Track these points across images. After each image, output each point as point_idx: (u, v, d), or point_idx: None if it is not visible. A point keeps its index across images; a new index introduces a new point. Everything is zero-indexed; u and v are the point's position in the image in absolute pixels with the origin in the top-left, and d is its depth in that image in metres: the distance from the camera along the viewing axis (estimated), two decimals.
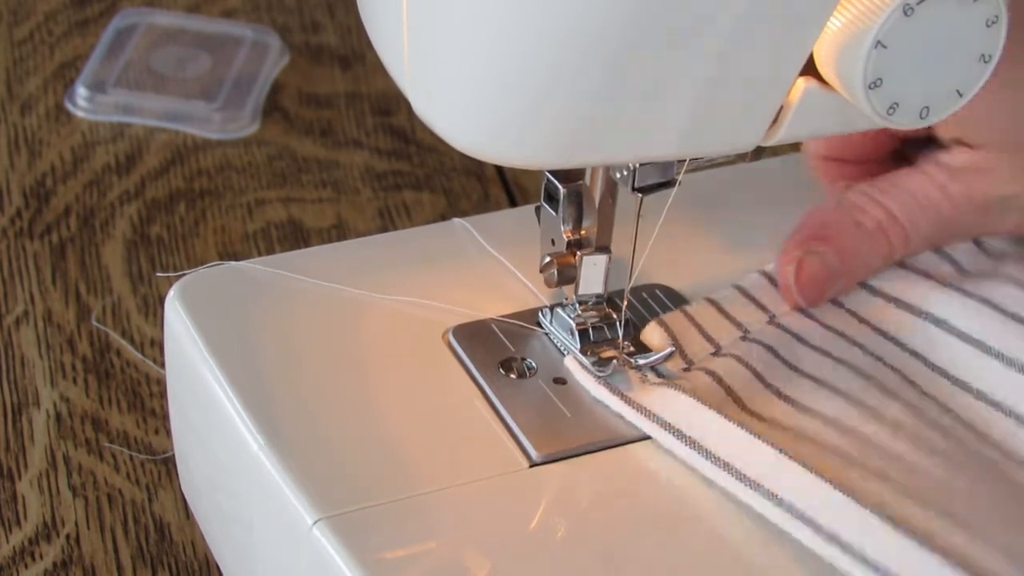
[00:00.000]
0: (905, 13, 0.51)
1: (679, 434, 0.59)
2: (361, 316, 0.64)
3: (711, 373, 0.61)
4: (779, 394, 0.61)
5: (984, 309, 0.63)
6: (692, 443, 0.58)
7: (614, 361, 0.62)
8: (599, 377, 0.61)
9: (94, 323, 0.80)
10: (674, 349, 0.62)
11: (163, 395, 0.75)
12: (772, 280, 0.66)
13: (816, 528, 0.55)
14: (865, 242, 0.65)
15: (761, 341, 0.63)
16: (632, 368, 0.62)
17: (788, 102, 0.54)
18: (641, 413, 0.60)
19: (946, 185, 0.64)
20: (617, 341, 0.62)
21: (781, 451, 0.57)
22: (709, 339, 0.64)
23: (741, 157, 0.59)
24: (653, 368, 0.62)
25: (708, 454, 0.58)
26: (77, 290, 0.83)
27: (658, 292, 0.66)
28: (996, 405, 0.61)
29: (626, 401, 0.60)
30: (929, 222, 0.64)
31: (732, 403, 0.60)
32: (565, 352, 0.63)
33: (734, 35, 0.51)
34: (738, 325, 0.64)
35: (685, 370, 0.62)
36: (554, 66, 0.51)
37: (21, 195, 0.88)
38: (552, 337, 0.64)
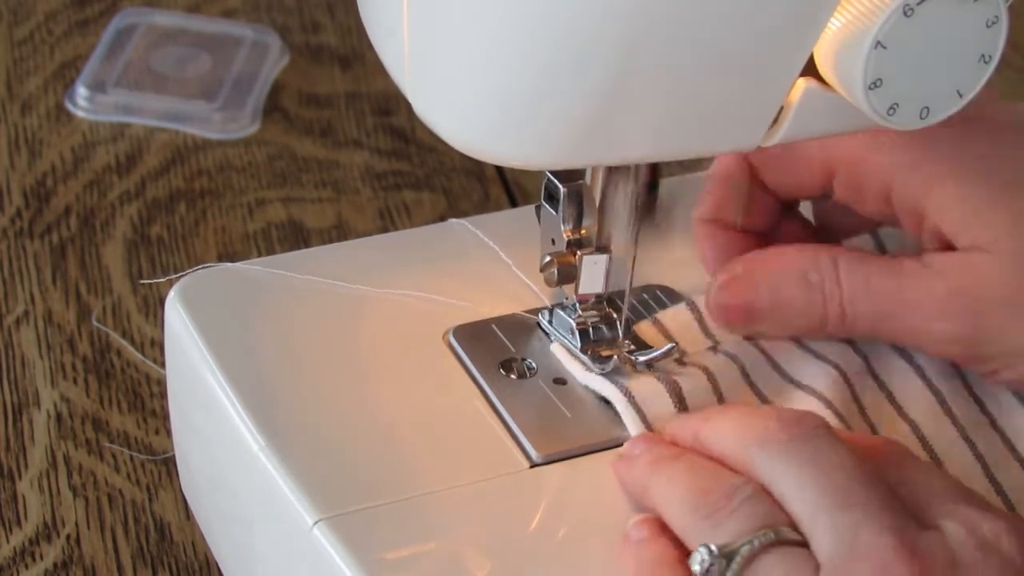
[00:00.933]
0: (905, 13, 0.51)
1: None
2: (361, 316, 0.64)
3: (704, 369, 0.61)
4: (761, 397, 0.61)
5: None
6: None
7: (614, 358, 0.62)
8: (587, 365, 0.61)
9: (94, 323, 0.80)
10: (674, 345, 0.62)
11: (163, 395, 0.75)
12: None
13: None
14: (803, 297, 0.61)
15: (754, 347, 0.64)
16: (632, 366, 0.62)
17: (788, 102, 0.54)
18: (631, 404, 0.60)
19: (902, 276, 0.60)
20: (618, 340, 0.62)
21: None
22: (709, 335, 0.64)
23: None
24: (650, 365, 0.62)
25: None
26: (77, 290, 0.83)
27: (658, 292, 0.66)
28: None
29: (618, 388, 0.60)
30: (868, 310, 0.61)
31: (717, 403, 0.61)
32: (552, 339, 0.63)
33: (734, 35, 0.51)
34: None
35: (678, 361, 0.62)
36: (553, 66, 0.51)
37: (21, 195, 0.88)
38: (552, 337, 0.64)
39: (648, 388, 0.60)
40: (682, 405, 0.60)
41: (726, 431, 0.55)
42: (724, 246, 0.64)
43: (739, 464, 0.54)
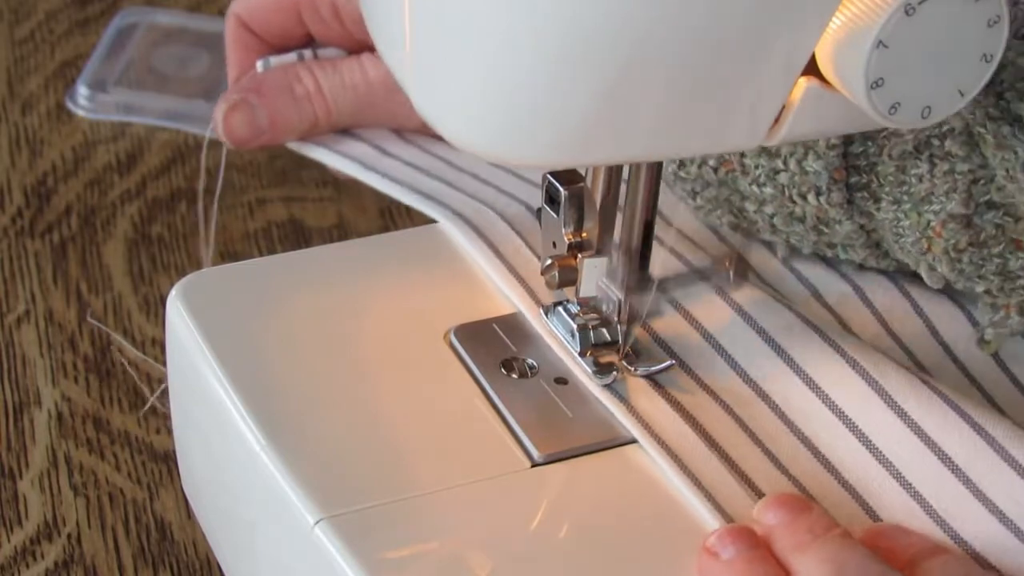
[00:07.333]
0: (907, 13, 0.51)
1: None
2: (362, 316, 0.64)
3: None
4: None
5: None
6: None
7: (614, 372, 0.61)
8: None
9: (90, 319, 0.80)
10: (673, 362, 0.62)
11: (164, 394, 0.75)
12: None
13: None
14: (294, 107, 0.73)
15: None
16: (631, 375, 0.62)
17: (790, 102, 0.54)
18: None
19: (367, 70, 0.73)
20: (618, 345, 0.62)
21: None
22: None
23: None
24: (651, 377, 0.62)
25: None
26: (78, 289, 0.83)
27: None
28: None
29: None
30: (348, 101, 0.73)
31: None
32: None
33: (736, 35, 0.51)
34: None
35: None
36: (556, 67, 0.51)
37: (22, 194, 0.88)
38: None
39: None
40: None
41: None
42: (249, 49, 0.76)
43: None
